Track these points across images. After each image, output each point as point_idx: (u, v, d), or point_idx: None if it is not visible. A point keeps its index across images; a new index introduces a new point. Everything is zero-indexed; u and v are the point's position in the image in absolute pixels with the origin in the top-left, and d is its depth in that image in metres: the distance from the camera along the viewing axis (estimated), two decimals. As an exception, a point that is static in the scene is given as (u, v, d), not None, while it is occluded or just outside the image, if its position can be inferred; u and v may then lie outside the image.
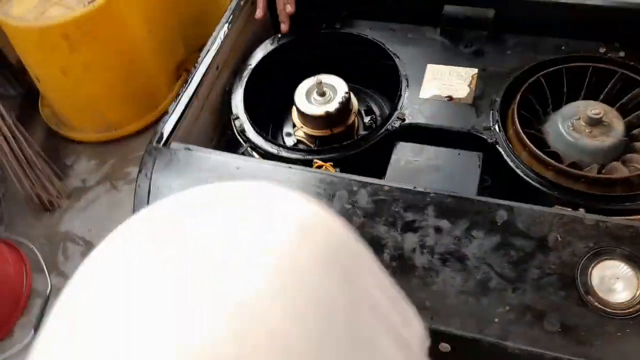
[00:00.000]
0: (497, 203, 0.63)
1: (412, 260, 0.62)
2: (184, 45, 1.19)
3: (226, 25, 0.90)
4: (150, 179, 0.71)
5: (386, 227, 0.64)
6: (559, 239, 0.60)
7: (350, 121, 0.85)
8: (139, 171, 0.72)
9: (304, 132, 0.86)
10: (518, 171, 0.71)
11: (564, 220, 0.61)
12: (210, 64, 0.85)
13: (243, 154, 0.81)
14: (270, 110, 0.92)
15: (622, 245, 0.59)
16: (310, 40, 0.94)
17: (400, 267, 0.62)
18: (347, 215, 0.65)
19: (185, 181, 0.71)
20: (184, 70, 1.20)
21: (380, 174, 0.76)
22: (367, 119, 0.91)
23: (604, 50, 0.82)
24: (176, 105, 0.78)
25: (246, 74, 0.88)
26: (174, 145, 0.74)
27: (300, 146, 0.88)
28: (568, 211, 0.63)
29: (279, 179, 0.69)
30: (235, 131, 0.83)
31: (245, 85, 0.87)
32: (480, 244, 0.61)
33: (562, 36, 0.85)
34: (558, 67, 0.79)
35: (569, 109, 0.76)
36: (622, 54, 0.81)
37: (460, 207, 0.64)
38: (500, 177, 0.76)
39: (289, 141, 0.90)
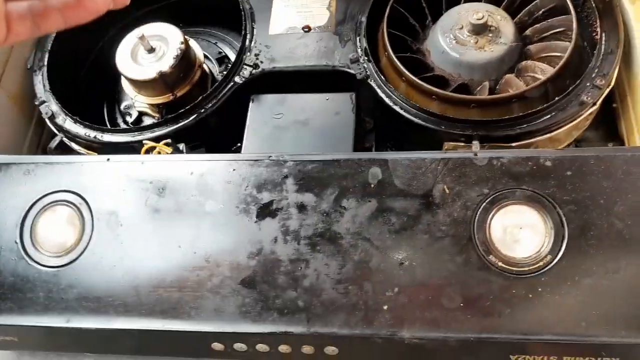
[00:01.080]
0: (368, 158, 0.50)
1: (275, 254, 0.48)
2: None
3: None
4: None
5: (239, 217, 0.50)
6: (447, 190, 0.48)
7: (196, 77, 0.68)
8: None
9: (144, 102, 0.69)
10: (396, 108, 0.57)
11: (450, 166, 0.48)
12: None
13: (59, 146, 0.63)
14: (100, 82, 0.73)
15: (522, 185, 0.47)
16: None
17: (262, 265, 0.48)
18: (187, 212, 0.50)
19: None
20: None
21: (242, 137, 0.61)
22: (220, 68, 0.74)
23: None
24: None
25: (50, 40, 0.68)
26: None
27: (145, 119, 0.70)
28: (455, 153, 0.50)
29: (94, 178, 0.52)
30: (46, 119, 0.64)
31: (52, 56, 0.67)
32: (354, 215, 0.48)
33: None
34: (430, -34, 0.64)
35: (448, 17, 0.62)
36: None
37: (325, 172, 0.50)
38: (381, 117, 0.62)
39: (132, 115, 0.72)
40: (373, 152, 0.62)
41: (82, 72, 0.71)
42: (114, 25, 0.70)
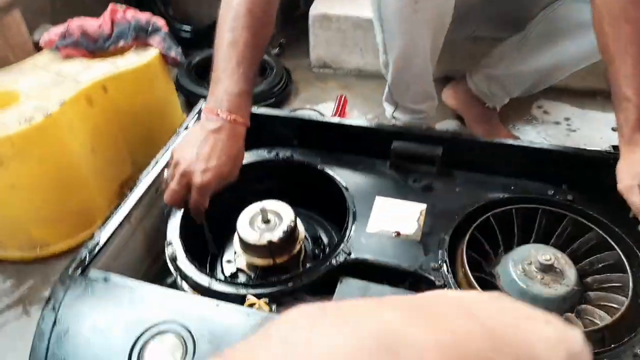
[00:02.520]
0: None
1: None
2: (132, 163, 1.14)
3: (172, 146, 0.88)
4: (58, 311, 0.63)
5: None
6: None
7: (295, 250, 0.80)
8: (47, 301, 0.64)
9: (245, 261, 0.81)
10: (467, 319, 0.65)
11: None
12: (150, 185, 0.81)
13: (173, 283, 0.74)
14: (213, 235, 0.87)
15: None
16: (259, 167, 0.91)
17: None
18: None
19: (98, 316, 0.63)
20: (128, 189, 1.13)
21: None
22: (313, 247, 0.86)
23: (552, 192, 0.82)
24: (103, 229, 0.72)
25: (188, 196, 0.84)
26: (93, 273, 0.66)
27: (240, 276, 0.81)
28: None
29: (203, 318, 0.62)
30: (167, 258, 0.76)
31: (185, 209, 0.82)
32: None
33: (511, 176, 0.85)
34: (508, 207, 0.78)
35: (520, 252, 0.73)
36: (570, 197, 0.81)
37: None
38: (449, 323, 0.70)
39: (229, 269, 0.83)
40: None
41: (208, 223, 0.85)
42: (241, 198, 0.85)
